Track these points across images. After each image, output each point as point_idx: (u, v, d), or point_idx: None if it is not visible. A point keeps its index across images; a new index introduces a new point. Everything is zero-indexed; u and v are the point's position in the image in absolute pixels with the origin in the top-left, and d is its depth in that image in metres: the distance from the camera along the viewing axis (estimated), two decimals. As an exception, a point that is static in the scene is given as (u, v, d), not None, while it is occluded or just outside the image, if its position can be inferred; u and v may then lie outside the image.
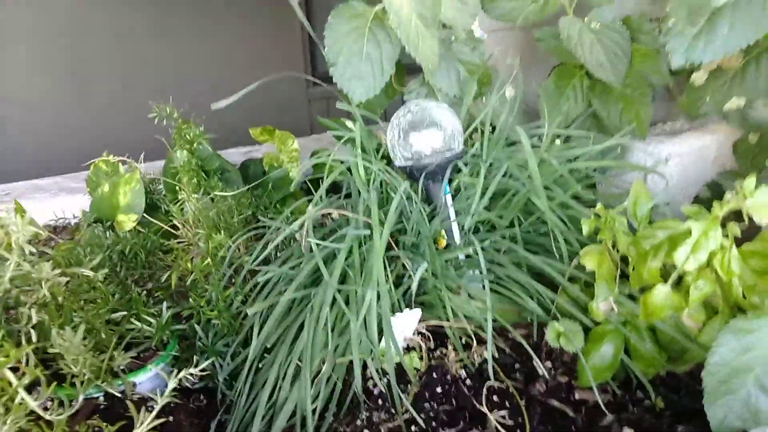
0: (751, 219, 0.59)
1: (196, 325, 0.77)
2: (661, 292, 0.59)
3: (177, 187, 1.13)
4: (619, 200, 0.84)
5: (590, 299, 0.71)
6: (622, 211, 0.74)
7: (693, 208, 0.59)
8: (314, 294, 0.74)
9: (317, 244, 0.75)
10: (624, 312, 0.70)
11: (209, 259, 0.84)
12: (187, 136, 1.13)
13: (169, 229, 1.04)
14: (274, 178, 1.30)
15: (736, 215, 0.60)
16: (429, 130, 0.84)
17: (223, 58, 2.14)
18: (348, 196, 0.97)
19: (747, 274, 0.59)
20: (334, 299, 0.73)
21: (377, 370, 0.73)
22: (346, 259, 0.76)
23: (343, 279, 0.78)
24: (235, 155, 1.58)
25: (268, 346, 0.75)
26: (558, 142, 1.01)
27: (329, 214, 0.85)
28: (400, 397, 0.71)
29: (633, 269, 0.65)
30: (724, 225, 0.61)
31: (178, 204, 1.07)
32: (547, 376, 0.76)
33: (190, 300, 0.80)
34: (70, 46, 2.08)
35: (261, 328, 0.74)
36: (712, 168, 1.12)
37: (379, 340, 0.76)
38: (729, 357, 0.51)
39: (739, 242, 0.62)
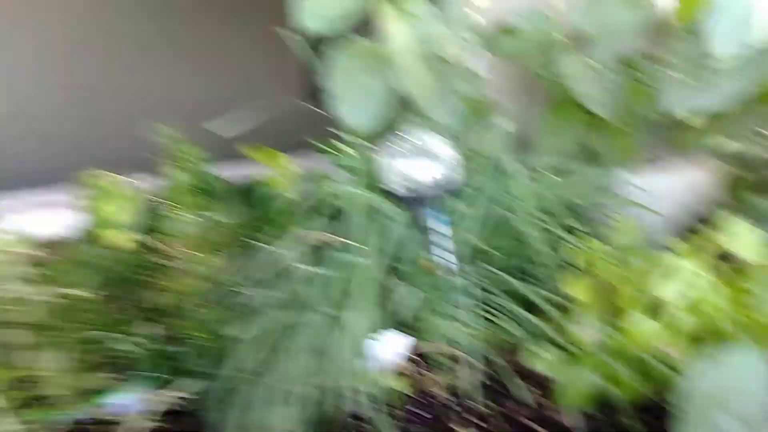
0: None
1: (184, 348, 0.80)
2: (645, 324, 0.62)
3: (176, 208, 1.15)
4: (611, 231, 0.88)
5: (574, 326, 0.74)
6: (610, 245, 0.78)
7: (681, 245, 0.62)
8: (304, 318, 0.77)
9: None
10: (608, 339, 0.73)
11: (203, 282, 0.87)
12: (189, 158, 1.16)
13: (165, 248, 1.07)
14: (276, 199, 1.33)
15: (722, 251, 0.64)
16: (426, 161, 0.88)
17: (214, 73, 2.14)
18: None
19: (729, 306, 0.62)
20: (324, 323, 0.76)
21: (366, 395, 0.75)
22: (339, 283, 0.80)
23: (336, 303, 0.81)
24: (233, 170, 1.61)
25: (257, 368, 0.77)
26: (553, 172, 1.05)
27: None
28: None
29: (618, 299, 0.68)
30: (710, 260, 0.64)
31: (177, 224, 1.09)
32: (533, 400, 0.79)
33: (181, 322, 0.83)
34: (49, 56, 2.09)
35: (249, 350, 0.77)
36: (702, 201, 1.15)
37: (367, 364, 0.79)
38: (705, 385, 0.52)
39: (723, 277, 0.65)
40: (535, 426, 0.75)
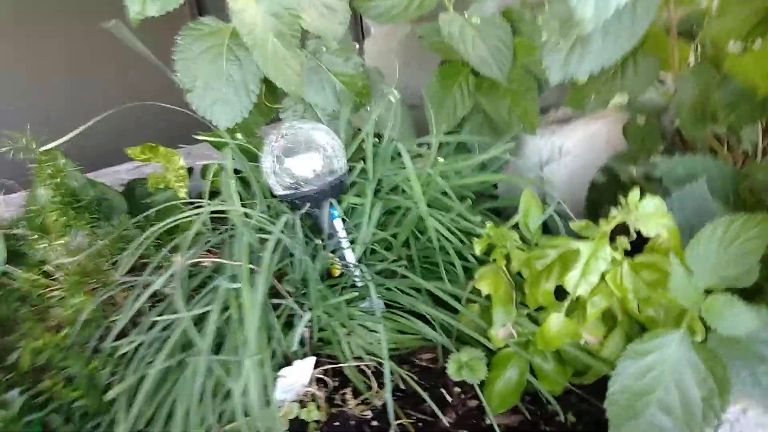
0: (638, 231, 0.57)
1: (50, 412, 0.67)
2: (556, 321, 0.56)
3: (40, 232, 1.00)
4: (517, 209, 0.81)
5: (489, 324, 0.67)
6: (514, 225, 0.71)
7: (581, 223, 0.56)
8: (190, 360, 0.65)
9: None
10: (525, 333, 0.67)
11: (67, 328, 0.73)
12: (51, 169, 0.99)
13: (26, 285, 0.91)
14: (161, 201, 1.18)
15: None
16: (306, 154, 0.76)
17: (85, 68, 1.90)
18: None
19: (640, 288, 0.57)
20: (213, 365, 0.65)
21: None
22: (224, 312, 0.68)
23: (221, 339, 0.70)
24: (122, 173, 1.43)
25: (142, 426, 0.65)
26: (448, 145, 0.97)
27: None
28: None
29: (528, 291, 0.62)
30: (612, 239, 0.58)
31: (41, 252, 0.94)
32: (456, 402, 0.72)
33: (46, 379, 0.69)
34: None
35: (131, 405, 0.65)
36: (604, 153, 1.12)
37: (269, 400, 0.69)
38: (629, 382, 0.48)
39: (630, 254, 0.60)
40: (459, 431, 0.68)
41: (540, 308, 0.64)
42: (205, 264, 0.72)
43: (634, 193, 0.52)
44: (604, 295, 0.58)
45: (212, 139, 0.90)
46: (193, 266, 0.81)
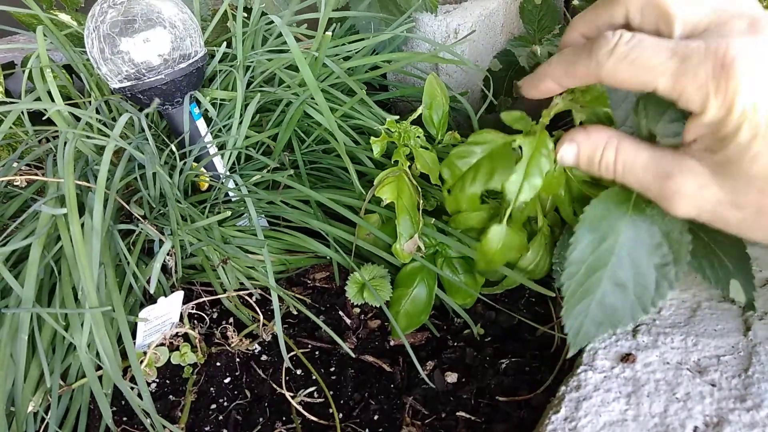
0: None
1: None
2: (498, 235, 0.47)
3: None
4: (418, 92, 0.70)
5: (391, 236, 0.58)
6: (416, 120, 0.60)
7: (514, 114, 0.45)
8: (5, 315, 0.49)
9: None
10: (433, 244, 0.59)
11: None
12: None
13: None
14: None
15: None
16: (148, 32, 0.58)
17: None
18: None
19: (575, 187, 0.49)
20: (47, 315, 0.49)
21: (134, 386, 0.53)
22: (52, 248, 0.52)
23: (54, 279, 0.54)
24: None
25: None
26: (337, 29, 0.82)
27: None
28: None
29: (449, 193, 0.52)
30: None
31: None
32: (356, 325, 0.64)
33: None
34: None
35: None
36: (501, 36, 1.03)
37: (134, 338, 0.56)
38: (585, 253, 0.40)
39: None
40: (370, 359, 0.60)
41: (456, 212, 0.55)
42: (20, 184, 0.54)
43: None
44: (529, 205, 0.50)
45: (15, 9, 0.67)
46: (10, 187, 0.62)
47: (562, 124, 0.50)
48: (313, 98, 0.64)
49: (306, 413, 0.54)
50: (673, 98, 0.32)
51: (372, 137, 0.57)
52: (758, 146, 0.30)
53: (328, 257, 0.67)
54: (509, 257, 0.49)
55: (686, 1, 0.33)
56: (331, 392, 0.57)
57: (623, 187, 0.38)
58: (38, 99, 0.61)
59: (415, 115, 0.59)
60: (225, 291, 0.62)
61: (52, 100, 0.62)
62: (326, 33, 0.61)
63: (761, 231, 0.34)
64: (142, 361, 0.56)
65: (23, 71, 0.67)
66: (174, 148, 0.62)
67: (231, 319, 0.63)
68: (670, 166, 0.34)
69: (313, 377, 0.58)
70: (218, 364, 0.60)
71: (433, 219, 0.59)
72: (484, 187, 0.46)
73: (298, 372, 0.60)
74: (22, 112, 0.65)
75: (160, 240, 0.58)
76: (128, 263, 0.56)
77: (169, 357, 0.58)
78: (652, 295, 0.38)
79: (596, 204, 0.40)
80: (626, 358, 0.46)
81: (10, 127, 0.65)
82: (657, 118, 0.37)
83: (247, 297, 0.62)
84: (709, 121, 0.31)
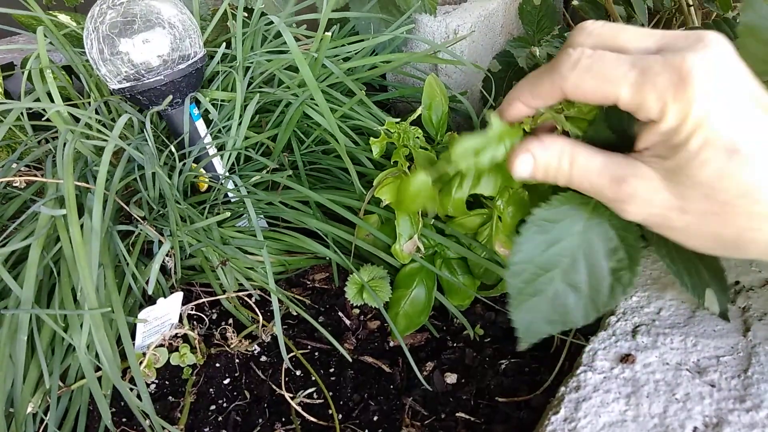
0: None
1: None
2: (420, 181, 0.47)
3: None
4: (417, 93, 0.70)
5: (390, 237, 0.58)
6: (415, 120, 0.60)
7: (496, 120, 0.45)
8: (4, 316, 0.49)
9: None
10: (431, 245, 0.59)
11: None
12: None
13: None
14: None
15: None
16: (147, 33, 0.58)
17: None
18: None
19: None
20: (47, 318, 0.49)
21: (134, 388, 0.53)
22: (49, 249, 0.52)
23: (53, 280, 0.54)
24: None
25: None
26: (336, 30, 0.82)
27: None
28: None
29: (438, 198, 0.52)
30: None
31: None
32: (356, 326, 0.64)
33: None
34: None
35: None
36: (500, 37, 1.03)
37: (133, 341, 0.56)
38: (534, 253, 0.40)
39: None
40: (369, 359, 0.60)
41: (445, 215, 0.55)
42: (20, 185, 0.54)
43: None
44: (518, 205, 0.50)
45: (15, 10, 0.67)
46: (10, 188, 0.62)
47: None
48: (312, 99, 0.64)
49: (305, 414, 0.54)
50: (633, 108, 0.33)
51: (371, 138, 0.57)
52: (707, 154, 0.32)
53: (327, 258, 0.67)
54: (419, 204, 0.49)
55: (636, 34, 0.34)
56: (331, 393, 0.57)
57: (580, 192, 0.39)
58: (38, 100, 0.61)
59: (414, 116, 0.59)
60: (224, 292, 0.62)
61: (52, 100, 0.62)
62: (326, 33, 0.61)
63: (702, 239, 0.35)
64: (141, 362, 0.56)
65: (23, 72, 0.67)
66: (173, 149, 0.62)
67: (230, 320, 0.63)
68: (624, 170, 0.35)
69: (313, 378, 0.58)
70: (218, 365, 0.60)
71: (432, 220, 0.59)
72: (471, 191, 0.46)
73: (298, 373, 0.60)
74: (22, 113, 0.65)
75: (160, 241, 0.58)
76: (127, 264, 0.56)
77: (169, 358, 0.58)
78: (606, 298, 0.38)
79: (549, 207, 0.40)
80: (626, 358, 0.46)
81: (10, 128, 0.65)
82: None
83: (246, 298, 0.62)
84: (666, 128, 0.32)
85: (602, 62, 0.33)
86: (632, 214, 0.36)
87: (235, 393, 0.58)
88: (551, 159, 0.37)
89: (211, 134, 0.66)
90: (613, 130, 0.39)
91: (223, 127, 0.66)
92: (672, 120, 0.32)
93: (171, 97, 0.61)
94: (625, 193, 0.35)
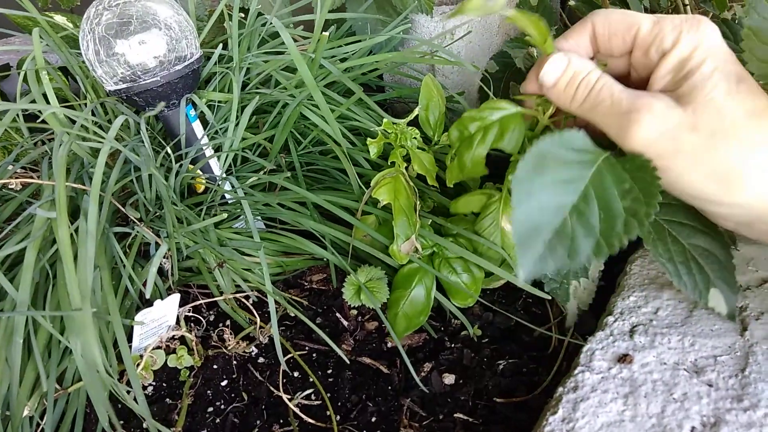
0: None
1: None
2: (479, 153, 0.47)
3: None
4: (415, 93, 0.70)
5: (387, 237, 0.58)
6: (412, 121, 0.60)
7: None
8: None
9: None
10: (430, 245, 0.59)
11: None
12: None
13: None
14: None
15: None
16: (144, 34, 0.57)
17: None
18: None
19: None
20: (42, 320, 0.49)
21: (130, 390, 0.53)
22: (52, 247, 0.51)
23: (49, 282, 0.53)
24: None
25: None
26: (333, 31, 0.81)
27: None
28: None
29: (452, 160, 0.51)
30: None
31: None
32: (353, 327, 0.64)
33: None
34: None
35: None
36: (497, 37, 1.03)
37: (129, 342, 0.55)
38: (542, 194, 0.37)
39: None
40: (367, 360, 0.60)
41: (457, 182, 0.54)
42: (15, 186, 0.54)
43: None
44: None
45: (11, 11, 0.67)
46: (5, 190, 0.62)
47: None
48: (309, 99, 0.64)
49: (303, 416, 0.54)
50: (651, 38, 0.39)
51: (369, 138, 0.57)
52: (718, 77, 0.36)
53: (324, 259, 0.67)
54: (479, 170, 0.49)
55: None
56: (329, 394, 0.57)
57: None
58: (34, 101, 0.61)
59: (411, 116, 0.59)
60: (221, 293, 0.62)
61: (48, 102, 0.61)
62: (323, 34, 0.61)
63: (702, 169, 0.37)
64: (138, 365, 0.56)
65: (19, 73, 0.66)
66: (170, 151, 0.61)
67: (228, 322, 0.63)
68: (641, 93, 0.39)
69: (311, 379, 0.58)
70: (215, 366, 0.59)
71: (430, 220, 0.59)
72: (493, 145, 0.46)
73: (296, 374, 0.59)
74: (18, 115, 0.65)
75: (157, 243, 0.58)
76: (124, 266, 0.55)
77: (166, 360, 0.58)
78: (620, 233, 0.36)
79: (556, 138, 0.39)
80: (623, 358, 0.46)
81: (6, 130, 0.65)
82: None
83: (243, 299, 0.62)
84: (679, 55, 0.38)
85: (627, 11, 0.41)
86: (644, 131, 0.37)
87: (232, 395, 0.58)
88: (584, 67, 0.41)
89: (207, 135, 0.66)
90: None
91: (220, 129, 0.66)
92: (685, 47, 0.37)
93: (167, 99, 0.60)
94: (642, 103, 0.37)
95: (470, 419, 0.53)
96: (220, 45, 0.67)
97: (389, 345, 0.62)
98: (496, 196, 0.54)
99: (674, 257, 0.45)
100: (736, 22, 0.62)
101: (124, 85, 0.59)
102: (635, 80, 0.44)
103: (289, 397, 0.56)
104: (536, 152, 0.37)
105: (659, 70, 0.39)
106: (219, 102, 0.67)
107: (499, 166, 0.53)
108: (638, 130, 0.37)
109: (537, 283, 0.57)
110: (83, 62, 0.64)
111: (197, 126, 0.65)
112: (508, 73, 0.98)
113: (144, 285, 0.53)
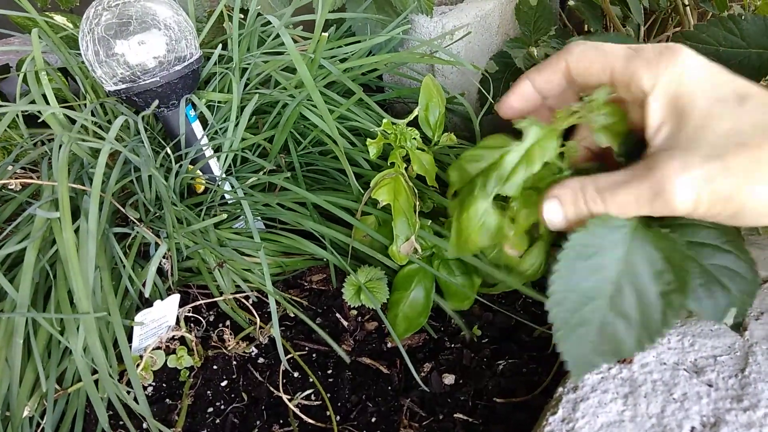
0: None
1: None
2: (481, 211, 0.44)
3: None
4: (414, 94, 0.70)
5: (387, 238, 0.58)
6: (412, 121, 0.60)
7: (525, 121, 0.44)
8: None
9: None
10: (429, 246, 0.59)
11: None
12: None
13: None
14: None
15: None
16: (143, 35, 0.57)
17: None
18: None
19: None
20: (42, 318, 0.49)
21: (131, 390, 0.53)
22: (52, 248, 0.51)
23: (49, 283, 0.53)
24: None
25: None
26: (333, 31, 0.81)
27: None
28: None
29: (454, 196, 0.50)
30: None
31: None
32: (353, 327, 0.64)
33: None
34: None
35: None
36: (496, 38, 1.03)
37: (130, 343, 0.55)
38: (576, 281, 0.37)
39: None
40: (367, 361, 0.60)
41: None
42: (15, 187, 0.53)
43: (602, 92, 0.40)
44: (532, 208, 0.49)
45: (10, 12, 0.67)
46: (5, 190, 0.62)
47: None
48: (309, 100, 0.64)
49: (303, 416, 0.54)
50: (627, 79, 0.35)
51: (368, 139, 0.57)
52: (719, 108, 0.32)
53: (324, 259, 0.67)
54: (485, 243, 0.47)
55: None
56: (329, 395, 0.57)
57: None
58: (33, 102, 0.61)
59: (411, 117, 0.59)
60: (221, 294, 0.62)
61: (48, 102, 0.61)
62: (323, 34, 0.61)
63: (755, 197, 0.32)
64: (138, 365, 0.56)
65: (18, 74, 0.66)
66: (170, 151, 0.61)
67: (228, 322, 0.63)
68: (648, 165, 0.34)
69: (311, 380, 0.58)
70: (215, 367, 0.59)
71: (430, 221, 0.59)
72: (496, 192, 0.45)
73: (296, 374, 0.59)
74: (17, 115, 0.65)
75: (156, 243, 0.58)
76: (124, 267, 0.55)
77: (166, 360, 0.58)
78: (659, 324, 0.36)
79: (586, 231, 0.38)
80: (623, 359, 0.46)
81: (6, 130, 0.65)
82: None
83: (243, 300, 0.62)
84: (666, 96, 0.34)
85: (603, 45, 0.37)
86: (681, 196, 0.33)
87: (232, 395, 0.58)
88: (575, 193, 0.37)
89: (207, 136, 0.66)
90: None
91: (220, 129, 0.66)
92: (666, 83, 0.33)
93: (167, 99, 0.60)
94: (666, 174, 0.33)
95: (470, 419, 0.53)
96: (220, 45, 0.67)
97: (389, 345, 0.62)
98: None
99: (695, 282, 0.44)
100: (743, 18, 0.62)
101: (124, 86, 0.59)
102: (629, 112, 0.40)
103: (289, 397, 0.56)
104: (577, 242, 0.37)
105: (650, 112, 0.35)
106: (219, 102, 0.67)
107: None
108: (676, 198, 0.33)
109: (537, 285, 0.57)
110: (83, 63, 0.64)
111: (197, 126, 0.65)
112: (507, 73, 0.98)
113: (144, 285, 0.53)
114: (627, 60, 0.35)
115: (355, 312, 0.65)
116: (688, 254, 0.37)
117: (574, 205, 0.37)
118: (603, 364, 0.37)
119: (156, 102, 0.60)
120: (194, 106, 0.65)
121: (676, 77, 0.33)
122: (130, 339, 0.55)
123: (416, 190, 0.57)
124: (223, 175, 0.66)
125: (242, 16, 0.71)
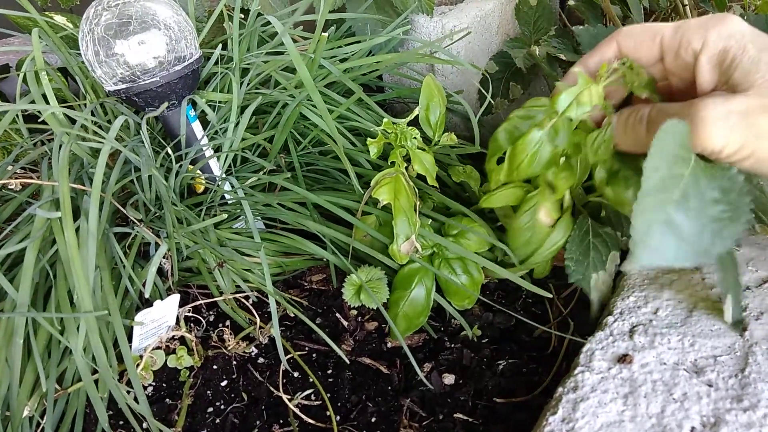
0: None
1: None
2: (536, 139, 0.46)
3: None
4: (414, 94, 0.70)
5: (387, 237, 0.58)
6: (412, 121, 0.60)
7: (576, 70, 0.45)
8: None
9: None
10: (429, 245, 0.59)
11: None
12: None
13: None
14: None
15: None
16: (143, 35, 0.57)
17: None
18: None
19: (612, 160, 0.48)
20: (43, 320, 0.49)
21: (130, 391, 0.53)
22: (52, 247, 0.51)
23: (49, 283, 0.53)
24: None
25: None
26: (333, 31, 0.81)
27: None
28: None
29: (507, 160, 0.50)
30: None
31: None
32: (353, 327, 0.64)
33: None
34: None
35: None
36: (496, 38, 1.03)
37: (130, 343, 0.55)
38: (663, 165, 0.37)
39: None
40: (367, 360, 0.60)
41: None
42: (15, 187, 0.53)
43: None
44: (569, 174, 0.49)
45: (10, 12, 0.67)
46: (5, 190, 0.62)
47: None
48: (309, 100, 0.64)
49: (303, 416, 0.54)
50: (677, 43, 0.39)
51: (369, 138, 0.57)
52: (766, 57, 0.36)
53: (324, 259, 0.67)
54: (536, 169, 0.48)
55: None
56: (329, 395, 0.57)
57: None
58: (33, 102, 0.61)
59: (411, 116, 0.59)
60: (221, 294, 0.62)
61: (47, 102, 0.61)
62: (323, 34, 0.61)
63: None
64: (138, 365, 0.56)
65: (18, 74, 0.66)
66: (170, 151, 0.61)
67: (227, 322, 0.63)
68: (695, 102, 0.37)
69: (311, 380, 0.58)
70: (215, 367, 0.59)
71: (430, 220, 0.59)
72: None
73: (295, 374, 0.59)
74: (17, 115, 0.65)
75: (156, 243, 0.58)
76: (124, 266, 0.55)
77: (166, 360, 0.58)
78: (707, 245, 0.36)
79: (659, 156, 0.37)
80: (623, 358, 0.46)
81: (6, 130, 0.65)
82: None
83: (243, 300, 0.62)
84: (715, 50, 0.38)
85: (651, 23, 0.42)
86: (717, 129, 0.36)
87: (232, 395, 0.58)
88: (632, 110, 0.42)
89: (207, 136, 0.66)
90: None
91: (220, 129, 0.66)
92: (718, 40, 0.37)
93: (167, 99, 0.60)
94: (699, 105, 0.36)
95: (470, 419, 0.53)
96: (220, 45, 0.67)
97: (389, 345, 0.62)
98: (535, 191, 0.53)
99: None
100: (743, 18, 0.62)
101: (124, 86, 0.59)
102: (677, 85, 0.44)
103: (289, 397, 0.56)
104: (661, 148, 0.37)
105: (701, 70, 0.39)
106: (219, 102, 0.67)
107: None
108: (711, 130, 0.36)
109: (538, 282, 0.57)
110: (83, 63, 0.64)
111: (197, 126, 0.65)
112: (507, 73, 0.98)
113: (144, 285, 0.53)
114: (675, 28, 0.39)
115: (355, 312, 0.65)
116: (746, 191, 0.37)
117: (624, 123, 0.43)
118: (650, 263, 0.36)
119: (165, 104, 0.60)
120: (194, 105, 0.65)
121: (724, 35, 0.37)
122: (130, 339, 0.55)
123: (417, 190, 0.57)
124: (223, 175, 0.66)
125: (242, 16, 0.71)
